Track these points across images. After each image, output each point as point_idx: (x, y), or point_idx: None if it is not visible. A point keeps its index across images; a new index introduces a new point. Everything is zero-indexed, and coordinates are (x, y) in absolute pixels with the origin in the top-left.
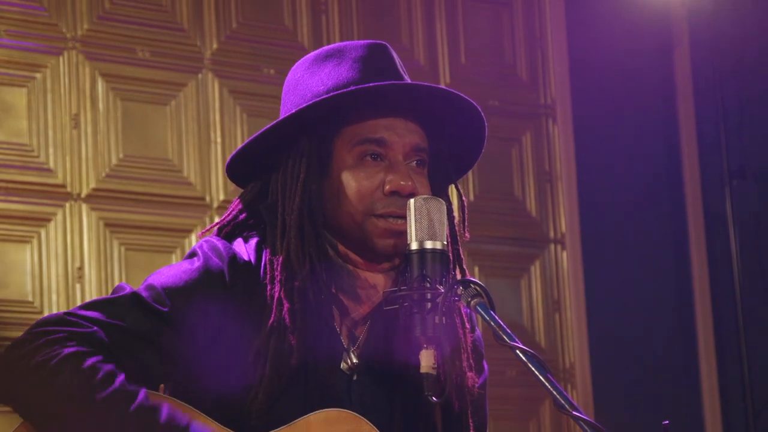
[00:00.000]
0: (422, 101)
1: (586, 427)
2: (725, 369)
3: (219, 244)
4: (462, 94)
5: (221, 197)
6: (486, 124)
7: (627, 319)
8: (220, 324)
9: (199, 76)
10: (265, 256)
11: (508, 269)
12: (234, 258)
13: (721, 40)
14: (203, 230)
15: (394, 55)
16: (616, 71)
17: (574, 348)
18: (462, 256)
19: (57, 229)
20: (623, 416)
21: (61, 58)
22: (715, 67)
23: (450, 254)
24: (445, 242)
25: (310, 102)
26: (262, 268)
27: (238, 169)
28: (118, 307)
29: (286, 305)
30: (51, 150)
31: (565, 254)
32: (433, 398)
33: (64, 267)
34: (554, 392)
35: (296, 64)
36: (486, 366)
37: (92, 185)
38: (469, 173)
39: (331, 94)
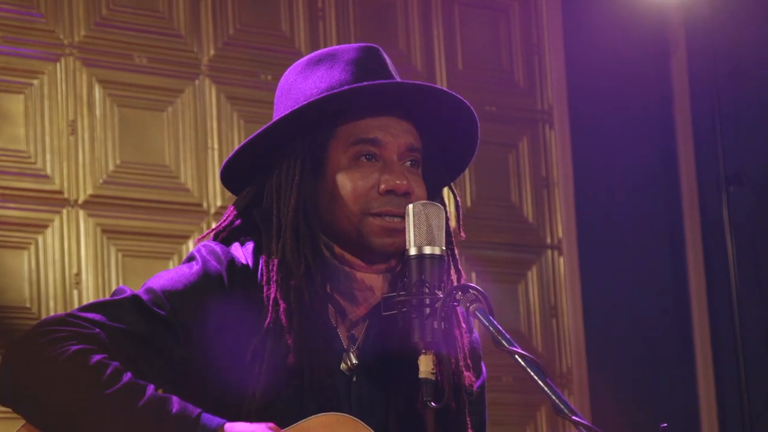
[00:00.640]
0: (415, 100)
1: None
2: (722, 374)
3: (217, 248)
4: (455, 93)
5: (218, 203)
6: (478, 124)
7: (624, 324)
8: (219, 327)
9: (196, 82)
10: (262, 259)
11: (505, 275)
12: (232, 261)
13: (717, 46)
14: (199, 237)
15: (387, 57)
16: (613, 77)
17: (571, 353)
18: (457, 257)
19: (54, 236)
20: (620, 421)
21: (58, 65)
22: (711, 74)
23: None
24: (444, 247)
25: (303, 104)
26: (259, 271)
27: (232, 175)
28: (119, 309)
29: (282, 305)
30: (48, 156)
31: (562, 260)
32: (432, 404)
33: (62, 273)
34: (553, 397)
35: (288, 69)
36: (484, 368)
37: (89, 191)
38: (466, 179)
39: (324, 94)
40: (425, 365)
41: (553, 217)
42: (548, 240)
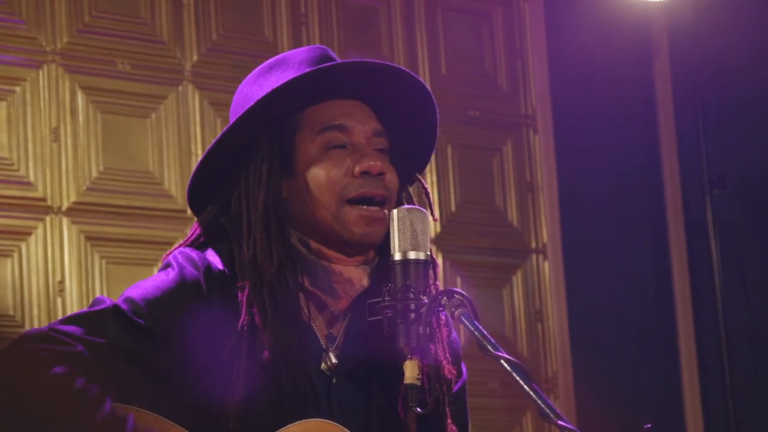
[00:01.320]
0: (374, 81)
1: None
2: (707, 377)
3: (193, 254)
4: (410, 71)
5: None
6: (437, 107)
7: (609, 328)
8: (199, 333)
9: (180, 88)
10: (235, 262)
11: (489, 279)
12: (209, 267)
13: (700, 49)
14: (165, 254)
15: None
16: (597, 81)
17: (556, 357)
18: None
19: (38, 243)
20: (606, 425)
21: (40, 72)
22: (695, 77)
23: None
24: (429, 252)
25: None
26: (235, 275)
27: (200, 197)
28: (99, 321)
29: (256, 305)
30: (31, 163)
31: (546, 264)
32: (418, 409)
33: (45, 281)
34: (539, 401)
35: (242, 82)
36: (465, 369)
37: (73, 198)
38: (450, 183)
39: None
40: (411, 371)
41: (537, 222)
42: (533, 244)
